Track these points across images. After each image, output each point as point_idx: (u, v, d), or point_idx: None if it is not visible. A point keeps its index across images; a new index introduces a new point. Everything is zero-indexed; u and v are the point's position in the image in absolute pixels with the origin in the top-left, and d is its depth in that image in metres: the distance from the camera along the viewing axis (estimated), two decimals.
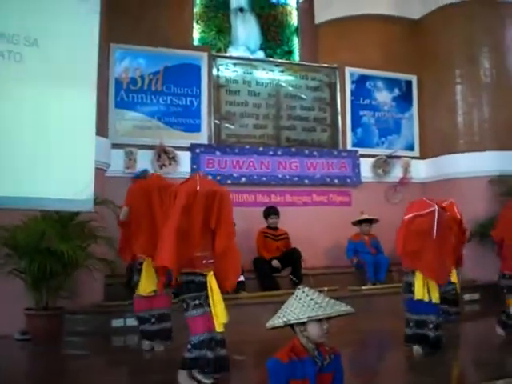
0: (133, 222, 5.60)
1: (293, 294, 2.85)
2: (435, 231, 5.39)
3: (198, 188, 4.40)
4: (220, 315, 4.31)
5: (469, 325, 6.96)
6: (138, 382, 4.80)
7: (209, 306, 4.32)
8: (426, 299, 5.36)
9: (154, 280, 5.35)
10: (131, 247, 5.61)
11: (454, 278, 6.78)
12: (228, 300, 6.49)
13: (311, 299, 2.75)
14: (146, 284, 5.46)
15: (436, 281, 5.57)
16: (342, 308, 2.75)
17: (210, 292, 4.34)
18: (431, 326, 5.33)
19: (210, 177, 7.40)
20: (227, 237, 4.45)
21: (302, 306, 2.74)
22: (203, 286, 4.34)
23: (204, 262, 4.40)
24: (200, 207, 4.37)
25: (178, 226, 4.28)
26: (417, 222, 5.50)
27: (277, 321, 2.78)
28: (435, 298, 5.38)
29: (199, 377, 4.29)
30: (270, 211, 8.48)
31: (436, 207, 5.52)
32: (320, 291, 2.85)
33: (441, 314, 5.59)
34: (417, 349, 5.34)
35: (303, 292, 2.79)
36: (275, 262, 8.12)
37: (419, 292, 5.35)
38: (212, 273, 4.40)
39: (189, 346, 4.29)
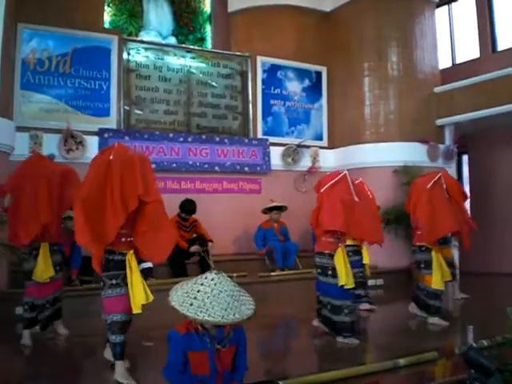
0: (22, 207, 5.21)
1: (202, 276, 2.78)
2: (355, 195, 5.48)
3: (110, 157, 4.12)
4: (137, 295, 4.07)
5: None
6: (41, 369, 4.71)
7: (127, 286, 4.10)
8: (350, 285, 5.36)
9: (51, 266, 5.25)
10: (27, 232, 5.19)
11: (366, 260, 7.10)
12: None
13: (205, 293, 2.65)
14: (44, 270, 5.22)
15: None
16: (217, 319, 2.60)
17: (128, 271, 4.10)
18: (347, 311, 5.34)
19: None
20: (156, 206, 4.26)
21: (187, 297, 2.65)
22: (122, 265, 4.13)
23: (123, 239, 4.16)
24: (116, 177, 4.04)
25: (83, 203, 3.95)
26: (336, 189, 5.46)
27: (172, 294, 2.76)
28: (351, 282, 5.40)
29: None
30: (191, 209, 8.20)
31: (346, 171, 5.67)
32: (230, 276, 2.83)
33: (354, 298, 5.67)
34: (353, 341, 5.30)
35: (209, 281, 2.69)
36: (194, 248, 7.99)
37: (343, 277, 5.31)
38: (132, 251, 4.15)
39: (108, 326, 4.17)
